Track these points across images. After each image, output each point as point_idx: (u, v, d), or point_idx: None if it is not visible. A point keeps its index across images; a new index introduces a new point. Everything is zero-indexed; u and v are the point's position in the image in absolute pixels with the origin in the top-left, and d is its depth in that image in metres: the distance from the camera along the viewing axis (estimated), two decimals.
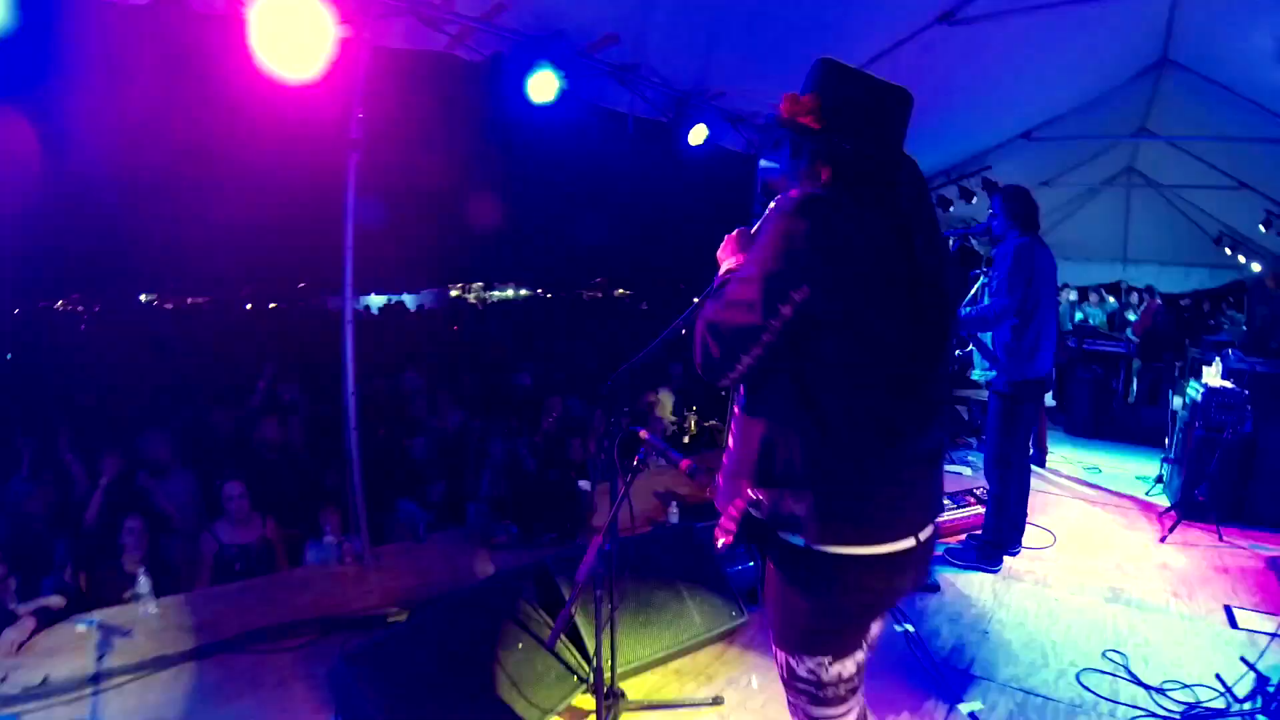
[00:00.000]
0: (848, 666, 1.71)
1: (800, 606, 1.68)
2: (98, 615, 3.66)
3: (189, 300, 29.83)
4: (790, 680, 1.76)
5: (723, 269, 1.82)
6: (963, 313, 4.38)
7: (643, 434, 2.10)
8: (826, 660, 1.68)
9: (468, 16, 4.02)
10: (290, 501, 5.13)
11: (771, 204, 1.65)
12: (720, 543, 1.68)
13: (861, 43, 5.01)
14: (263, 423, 5.63)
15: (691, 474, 2.11)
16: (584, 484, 4.51)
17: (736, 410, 1.76)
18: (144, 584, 4.12)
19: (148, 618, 3.69)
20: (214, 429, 6.30)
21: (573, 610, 1.94)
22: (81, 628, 3.55)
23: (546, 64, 4.11)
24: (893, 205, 1.64)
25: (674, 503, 4.43)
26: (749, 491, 1.64)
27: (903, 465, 1.66)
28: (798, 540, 1.61)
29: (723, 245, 1.88)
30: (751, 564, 3.79)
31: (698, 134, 5.23)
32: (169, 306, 28.49)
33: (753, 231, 1.73)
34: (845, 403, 1.59)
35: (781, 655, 1.76)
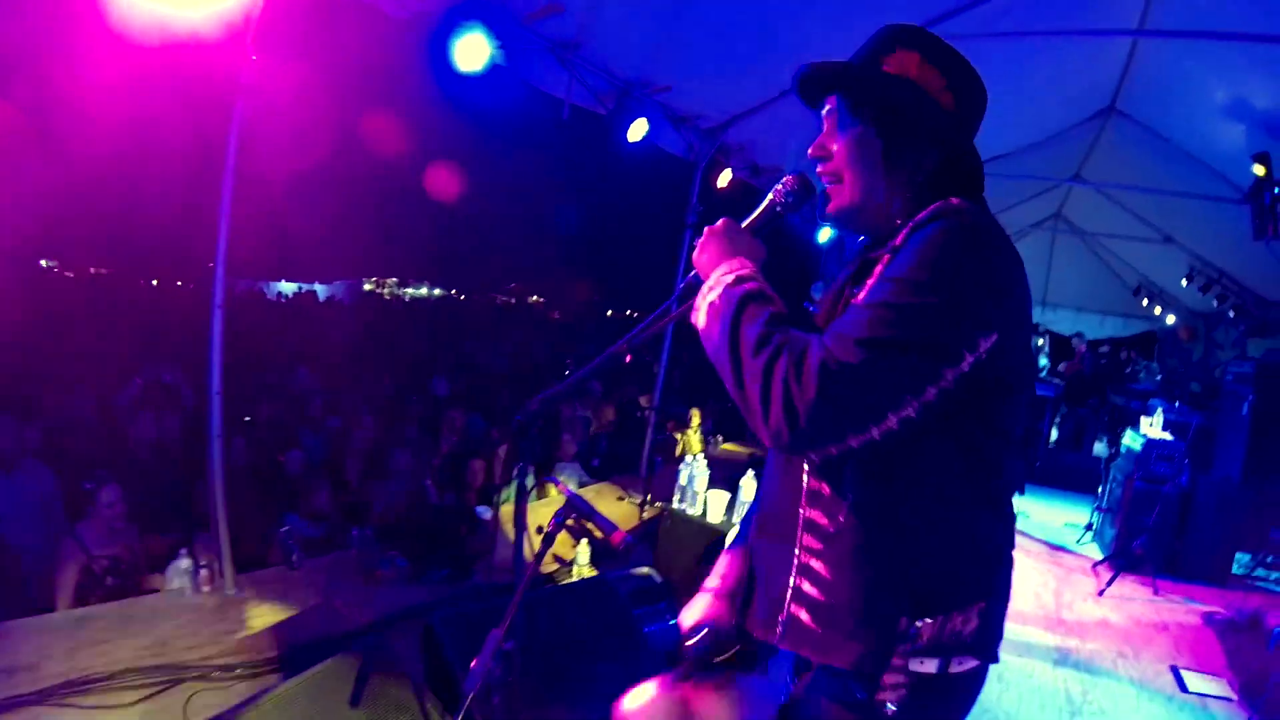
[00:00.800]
0: None
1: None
2: None
3: (92, 270, 27.58)
4: None
5: (719, 275, 1.24)
6: None
7: (560, 488, 1.55)
8: None
9: None
10: (162, 510, 4.50)
11: (923, 214, 1.16)
12: (892, 707, 1.13)
13: (818, 53, 4.64)
14: (139, 417, 4.88)
15: (625, 550, 1.59)
16: (483, 511, 3.91)
17: (824, 521, 1.19)
18: None
19: None
20: (82, 419, 5.50)
21: None
22: None
23: (478, 25, 3.57)
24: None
25: (584, 538, 3.85)
26: (910, 626, 1.12)
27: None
28: (955, 665, 1.15)
29: (702, 243, 1.31)
30: (672, 621, 3.25)
31: (637, 129, 4.76)
32: (69, 275, 26.30)
33: (897, 243, 1.17)
34: (1003, 475, 1.20)
35: None
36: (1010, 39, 4.80)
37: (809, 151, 1.33)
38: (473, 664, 1.37)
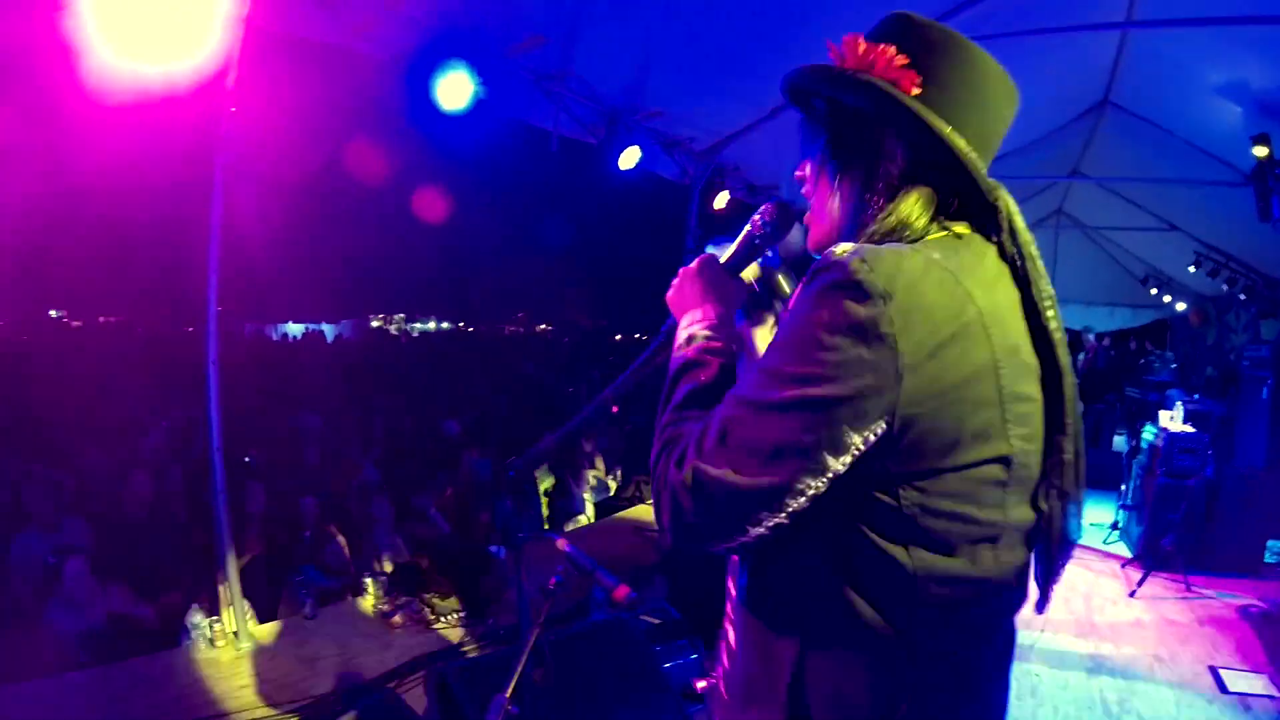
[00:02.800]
0: None
1: None
2: None
3: (101, 319, 27.78)
4: None
5: (683, 326, 1.15)
6: None
7: (561, 544, 1.48)
8: None
9: (372, 1, 3.44)
10: (165, 565, 4.41)
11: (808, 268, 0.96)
12: None
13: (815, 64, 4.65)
14: (133, 476, 4.84)
15: (630, 606, 1.52)
16: (497, 551, 3.84)
17: (732, 590, 1.09)
18: None
19: None
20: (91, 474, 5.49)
21: None
22: None
23: (460, 63, 3.55)
24: (1010, 250, 1.01)
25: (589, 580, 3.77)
26: None
27: (996, 675, 1.04)
28: None
29: (677, 285, 1.21)
30: (694, 656, 3.18)
31: (629, 157, 4.73)
32: (77, 324, 26.52)
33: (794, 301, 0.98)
34: (940, 585, 0.92)
35: None
36: (997, 40, 4.78)
37: (794, 175, 1.15)
38: None
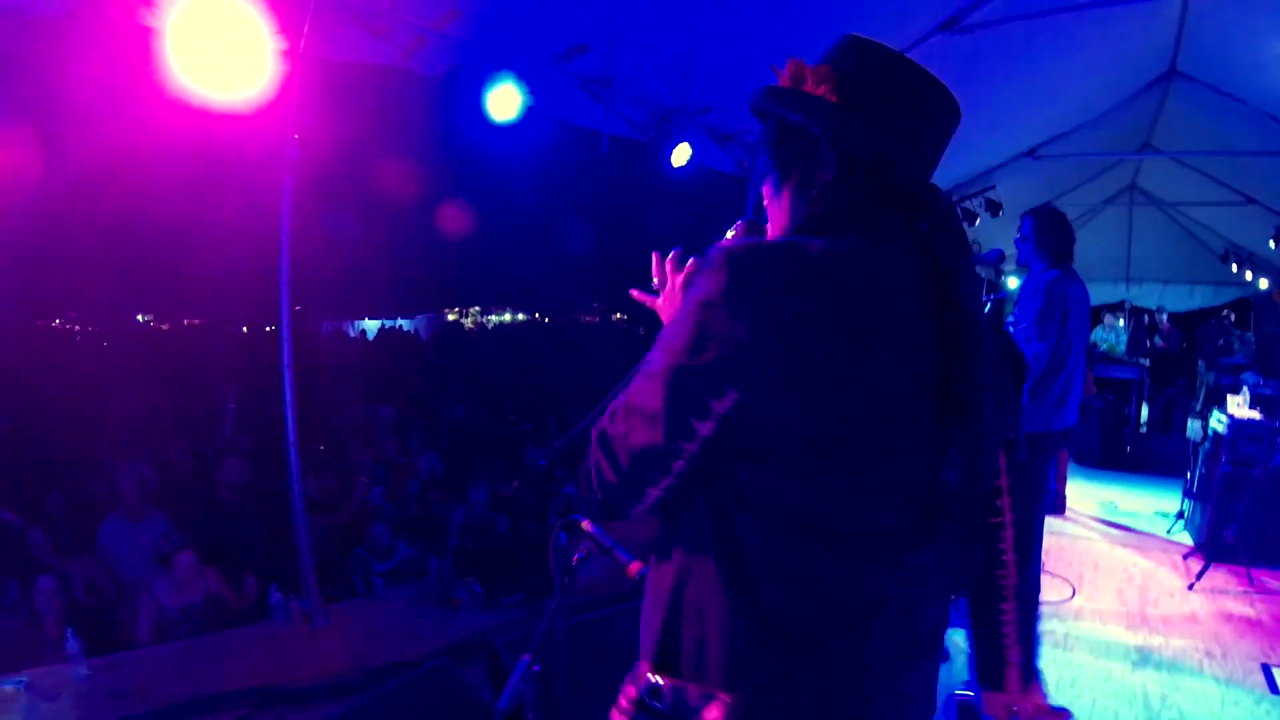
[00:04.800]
0: None
1: None
2: (26, 675, 3.20)
3: (186, 322, 29.28)
4: None
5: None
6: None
7: (585, 524, 1.68)
8: None
9: (418, 24, 3.64)
10: (248, 549, 4.75)
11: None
12: None
13: None
14: (224, 463, 5.23)
15: (642, 579, 1.69)
16: (559, 535, 4.07)
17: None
18: (73, 644, 3.76)
19: (78, 680, 3.30)
20: (174, 466, 5.95)
21: None
22: (9, 688, 3.15)
23: (508, 76, 3.74)
24: (923, 240, 1.06)
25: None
26: (647, 675, 1.10)
27: (869, 663, 1.04)
28: None
29: (664, 296, 1.31)
30: None
31: (681, 154, 4.83)
32: (165, 327, 27.99)
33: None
34: (793, 570, 0.99)
35: None
36: (1051, 16, 4.68)
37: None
38: (504, 689, 1.51)
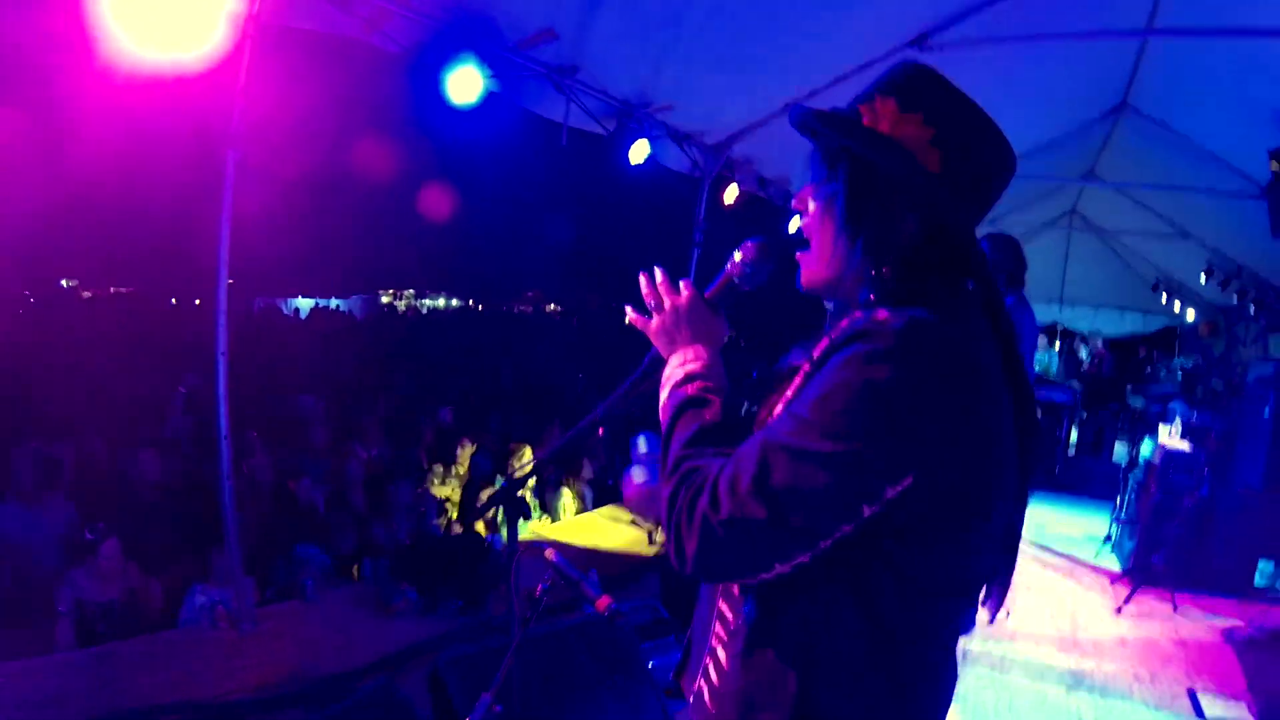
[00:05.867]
0: None
1: None
2: None
3: (112, 290, 27.81)
4: None
5: (677, 364, 1.20)
6: None
7: (549, 554, 1.55)
8: None
9: None
10: (169, 543, 4.48)
11: (845, 324, 1.03)
12: None
13: (826, 62, 4.65)
14: (141, 455, 4.92)
15: (611, 618, 1.57)
16: (495, 540, 3.93)
17: (731, 617, 1.15)
18: None
19: None
20: (93, 451, 5.56)
21: None
22: None
23: (470, 57, 3.56)
24: (988, 307, 1.07)
25: (593, 570, 3.86)
26: None
27: (953, 673, 1.14)
28: None
29: (666, 321, 1.25)
30: (679, 655, 3.27)
31: (639, 151, 4.74)
32: (87, 294, 26.54)
33: (816, 355, 1.05)
34: (924, 619, 1.04)
35: None
36: (1015, 43, 4.74)
37: (792, 203, 1.21)
38: None
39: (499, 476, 5.23)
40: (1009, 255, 3.88)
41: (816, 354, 1.04)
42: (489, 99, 3.86)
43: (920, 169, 1.05)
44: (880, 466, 0.94)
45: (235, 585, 3.69)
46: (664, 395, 1.19)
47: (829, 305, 1.23)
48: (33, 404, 6.38)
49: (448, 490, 5.29)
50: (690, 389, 1.15)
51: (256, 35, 3.26)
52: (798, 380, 1.07)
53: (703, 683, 1.18)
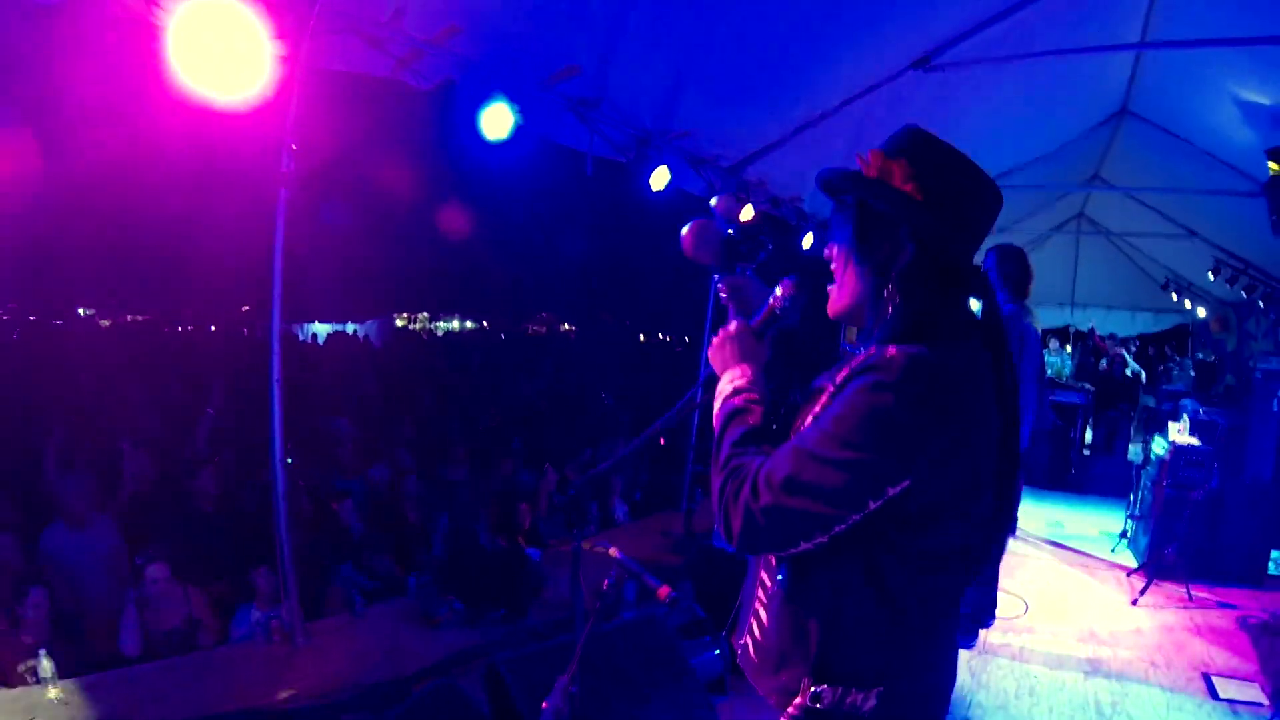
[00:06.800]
0: None
1: None
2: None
3: (129, 317, 28.15)
4: None
5: (727, 379, 1.49)
6: None
7: (613, 552, 1.76)
8: None
9: (417, 38, 3.68)
10: (221, 562, 4.65)
11: (861, 357, 1.30)
12: None
13: (834, 85, 4.87)
14: (200, 473, 5.12)
15: (671, 604, 1.78)
16: (534, 553, 4.13)
17: (769, 583, 1.44)
18: (46, 665, 3.64)
19: (50, 704, 3.18)
20: (140, 474, 5.76)
21: None
22: None
23: (501, 97, 3.79)
24: (985, 325, 1.35)
25: (629, 581, 4.04)
26: (810, 687, 1.35)
27: (953, 647, 1.47)
28: None
29: (716, 344, 1.55)
30: (716, 652, 3.46)
31: (659, 177, 4.95)
32: (106, 323, 26.90)
33: (839, 380, 1.31)
34: (921, 589, 1.33)
35: None
36: (1014, 62, 4.93)
37: (825, 253, 1.48)
38: (544, 704, 1.59)
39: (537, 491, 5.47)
40: (1016, 265, 4.08)
41: (839, 379, 1.31)
42: (517, 132, 4.08)
43: (905, 199, 1.31)
44: (883, 471, 1.21)
45: (286, 601, 3.88)
46: (717, 405, 1.46)
47: (845, 346, 1.51)
48: (70, 428, 6.61)
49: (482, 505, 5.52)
50: (738, 400, 1.43)
51: (302, 77, 3.50)
52: (823, 399, 1.33)
53: (748, 638, 1.48)
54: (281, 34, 3.32)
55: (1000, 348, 1.34)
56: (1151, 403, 8.68)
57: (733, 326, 1.54)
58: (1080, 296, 11.85)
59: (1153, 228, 9.03)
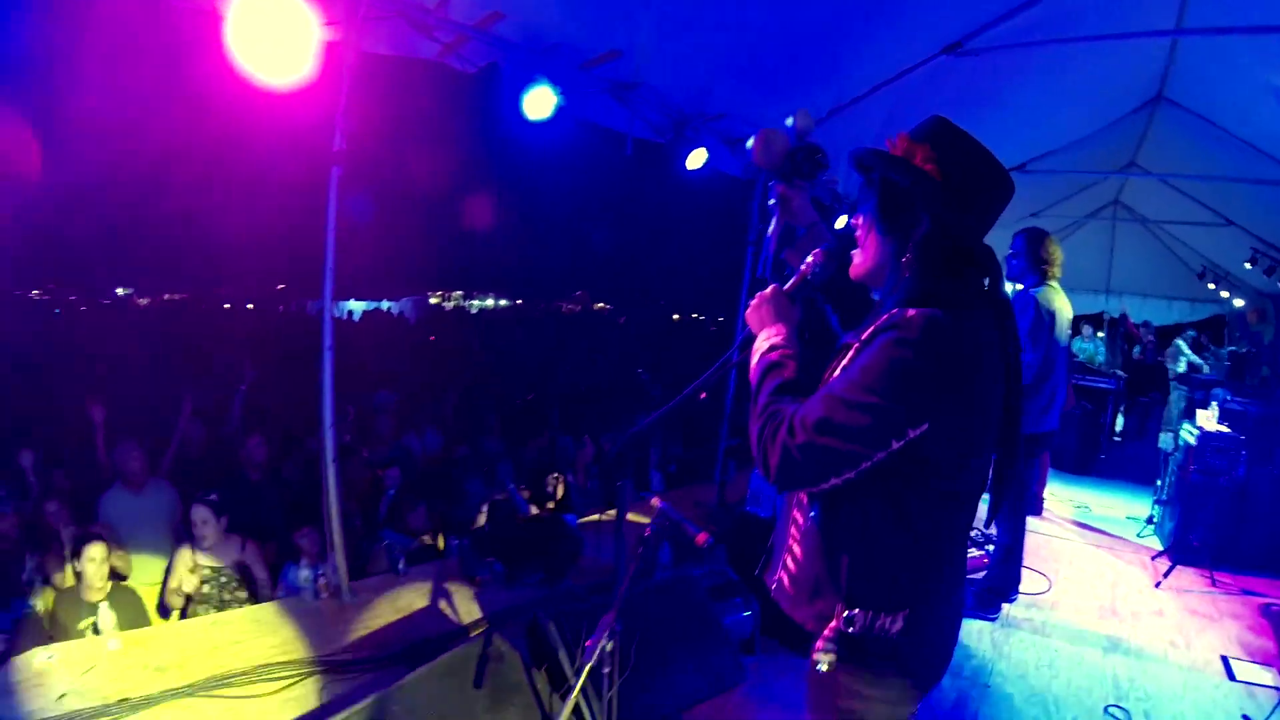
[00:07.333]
0: None
1: (865, 696, 1.57)
2: (57, 649, 3.38)
3: (166, 296, 28.84)
4: None
5: (764, 337, 1.68)
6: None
7: (655, 502, 1.92)
8: None
9: (461, 24, 3.83)
10: (270, 523, 4.91)
11: (884, 317, 1.47)
12: (825, 665, 1.56)
13: (867, 70, 4.93)
14: (249, 440, 5.36)
15: (709, 549, 1.95)
16: (571, 519, 4.30)
17: (800, 519, 1.63)
18: (107, 617, 3.87)
19: (110, 653, 3.42)
20: (190, 443, 6.03)
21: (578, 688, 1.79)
22: (41, 661, 3.29)
23: (544, 80, 3.94)
24: (991, 299, 1.52)
25: (665, 543, 4.24)
26: (843, 611, 1.54)
27: (962, 574, 1.67)
28: (877, 650, 1.54)
29: (754, 306, 1.73)
30: (747, 614, 3.62)
31: (696, 158, 5.07)
32: (144, 301, 27.59)
33: (865, 336, 1.50)
34: (939, 525, 1.53)
35: None
36: (1048, 47, 4.95)
37: (850, 222, 1.68)
38: (587, 642, 1.75)
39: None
40: (1043, 247, 4.16)
41: (865, 336, 1.50)
42: (558, 113, 4.22)
43: (925, 177, 1.49)
44: (903, 415, 1.40)
45: (333, 560, 4.09)
46: (754, 360, 1.65)
47: (875, 296, 1.68)
48: (118, 401, 6.89)
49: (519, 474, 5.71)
50: (774, 355, 1.61)
51: (353, 61, 3.67)
52: (850, 354, 1.53)
53: (783, 573, 1.67)
54: (332, 21, 3.50)
55: (1005, 318, 1.51)
56: (1184, 390, 8.62)
57: (769, 291, 1.73)
58: (1116, 283, 11.74)
59: (1190, 216, 8.92)
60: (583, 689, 1.82)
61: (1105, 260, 11.45)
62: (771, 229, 1.86)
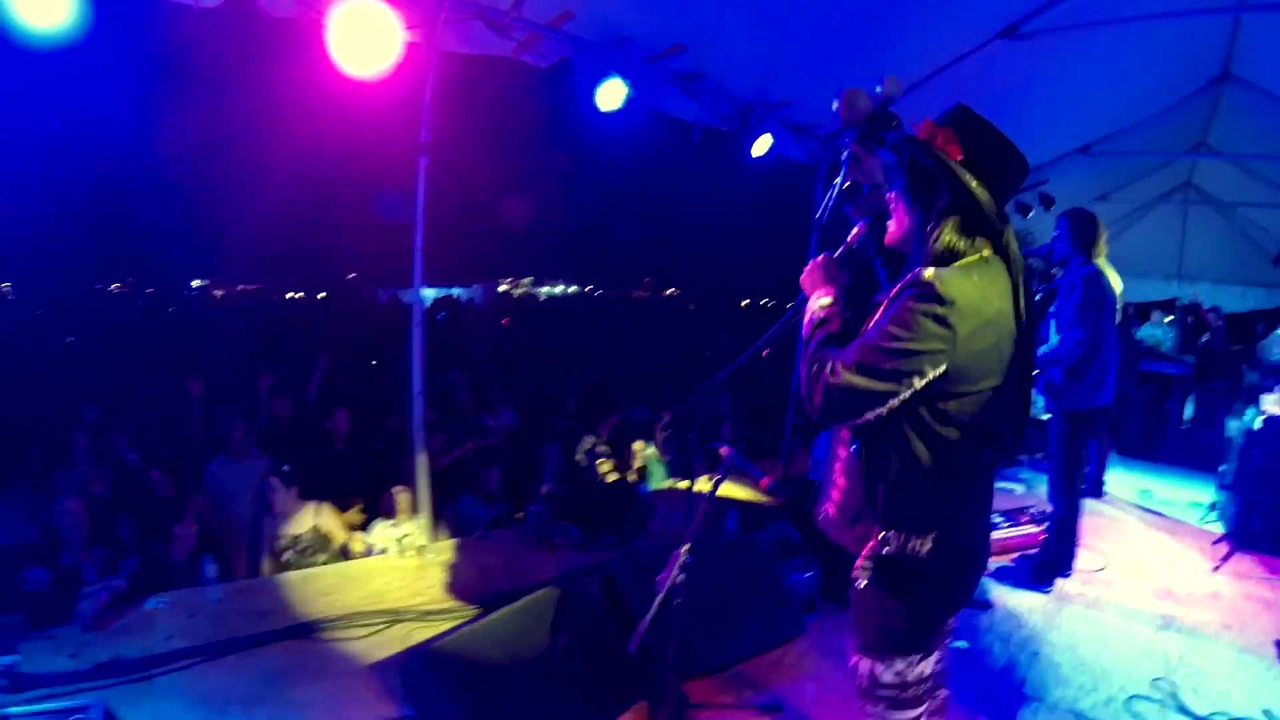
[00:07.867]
0: (930, 664, 1.87)
1: (897, 610, 1.83)
2: (167, 596, 3.77)
3: (239, 288, 30.11)
4: (871, 689, 1.89)
5: (815, 299, 1.96)
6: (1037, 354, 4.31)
7: (722, 451, 2.16)
8: (915, 658, 1.84)
9: (535, 23, 4.11)
10: (355, 489, 5.27)
11: (909, 276, 1.72)
12: (863, 582, 1.84)
13: (924, 56, 5.02)
14: (336, 412, 5.76)
15: (771, 493, 2.19)
16: (643, 488, 4.57)
17: (843, 453, 1.88)
18: (209, 569, 4.28)
19: (213, 602, 3.82)
20: (276, 417, 6.46)
21: (649, 619, 2.02)
22: (153, 607, 3.68)
23: (615, 74, 4.19)
24: (1006, 263, 1.78)
25: (731, 510, 4.47)
26: (879, 533, 1.80)
27: (990, 492, 1.94)
28: (911, 568, 1.79)
29: (807, 271, 2.02)
30: (808, 575, 3.84)
31: (762, 145, 5.28)
32: (219, 293, 28.84)
33: (892, 294, 1.76)
34: (960, 451, 1.76)
35: (866, 664, 1.89)
36: (1101, 28, 4.91)
37: (886, 197, 1.96)
38: (660, 576, 1.99)
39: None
40: (1085, 227, 4.25)
41: (893, 292, 1.77)
42: (628, 104, 4.47)
43: (943, 159, 1.74)
44: (924, 357, 1.66)
45: (416, 521, 4.43)
46: (806, 318, 1.94)
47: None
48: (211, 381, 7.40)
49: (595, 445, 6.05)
50: (822, 313, 1.92)
51: (436, 61, 3.97)
52: (882, 308, 1.79)
53: (829, 504, 1.94)
54: (413, 25, 3.80)
55: (1016, 276, 1.76)
56: (1254, 378, 8.40)
57: (820, 258, 2.01)
58: (1188, 269, 11.38)
59: (1265, 198, 8.65)
60: (652, 622, 2.05)
61: (1177, 244, 11.11)
62: (839, 181, 2.09)
